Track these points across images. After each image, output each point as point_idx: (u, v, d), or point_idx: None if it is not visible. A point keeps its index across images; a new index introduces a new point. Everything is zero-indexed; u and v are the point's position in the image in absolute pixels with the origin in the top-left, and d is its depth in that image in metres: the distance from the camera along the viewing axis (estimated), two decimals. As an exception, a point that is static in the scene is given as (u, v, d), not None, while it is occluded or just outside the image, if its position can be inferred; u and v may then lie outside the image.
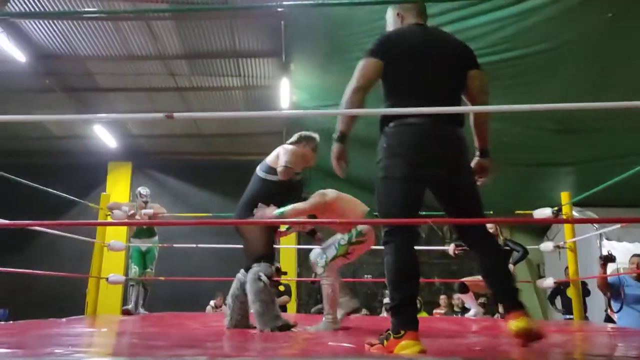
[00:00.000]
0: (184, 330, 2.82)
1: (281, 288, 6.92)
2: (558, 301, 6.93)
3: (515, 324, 1.82)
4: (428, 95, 1.90)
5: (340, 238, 3.08)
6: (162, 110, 2.12)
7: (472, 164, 2.05)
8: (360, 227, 3.06)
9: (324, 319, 3.05)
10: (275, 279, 5.94)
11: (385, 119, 1.94)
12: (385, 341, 1.78)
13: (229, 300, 3.13)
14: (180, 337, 1.77)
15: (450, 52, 1.99)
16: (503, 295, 1.91)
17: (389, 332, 1.77)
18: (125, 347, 2.10)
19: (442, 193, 1.98)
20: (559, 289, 6.62)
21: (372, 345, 1.84)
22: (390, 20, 2.19)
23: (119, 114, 8.24)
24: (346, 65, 5.92)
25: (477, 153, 2.07)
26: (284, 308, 6.64)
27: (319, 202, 3.12)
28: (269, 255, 2.97)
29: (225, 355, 1.52)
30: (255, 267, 2.87)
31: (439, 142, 1.89)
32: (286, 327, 2.81)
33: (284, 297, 7.03)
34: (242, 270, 3.10)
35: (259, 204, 3.02)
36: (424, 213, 1.96)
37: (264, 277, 2.80)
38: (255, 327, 2.92)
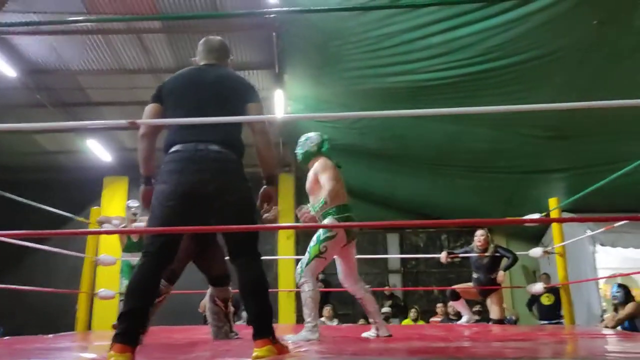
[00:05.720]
0: (155, 342, 2.85)
1: None
2: (535, 308, 6.97)
3: (255, 352, 1.82)
4: (194, 125, 2.01)
5: (312, 240, 3.07)
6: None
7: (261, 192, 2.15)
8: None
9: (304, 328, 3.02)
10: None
11: (165, 152, 2.05)
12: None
13: (207, 314, 3.22)
14: (142, 351, 1.85)
15: (223, 87, 2.12)
16: (252, 318, 1.92)
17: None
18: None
19: (212, 214, 2.01)
20: (535, 296, 6.62)
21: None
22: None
23: (79, 122, 8.02)
24: (338, 76, 5.99)
25: (264, 182, 2.16)
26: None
27: (330, 168, 3.11)
28: (224, 276, 3.09)
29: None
30: (209, 291, 3.10)
31: (196, 166, 1.95)
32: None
33: None
34: (210, 287, 3.20)
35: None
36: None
37: (218, 302, 3.07)
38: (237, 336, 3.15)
